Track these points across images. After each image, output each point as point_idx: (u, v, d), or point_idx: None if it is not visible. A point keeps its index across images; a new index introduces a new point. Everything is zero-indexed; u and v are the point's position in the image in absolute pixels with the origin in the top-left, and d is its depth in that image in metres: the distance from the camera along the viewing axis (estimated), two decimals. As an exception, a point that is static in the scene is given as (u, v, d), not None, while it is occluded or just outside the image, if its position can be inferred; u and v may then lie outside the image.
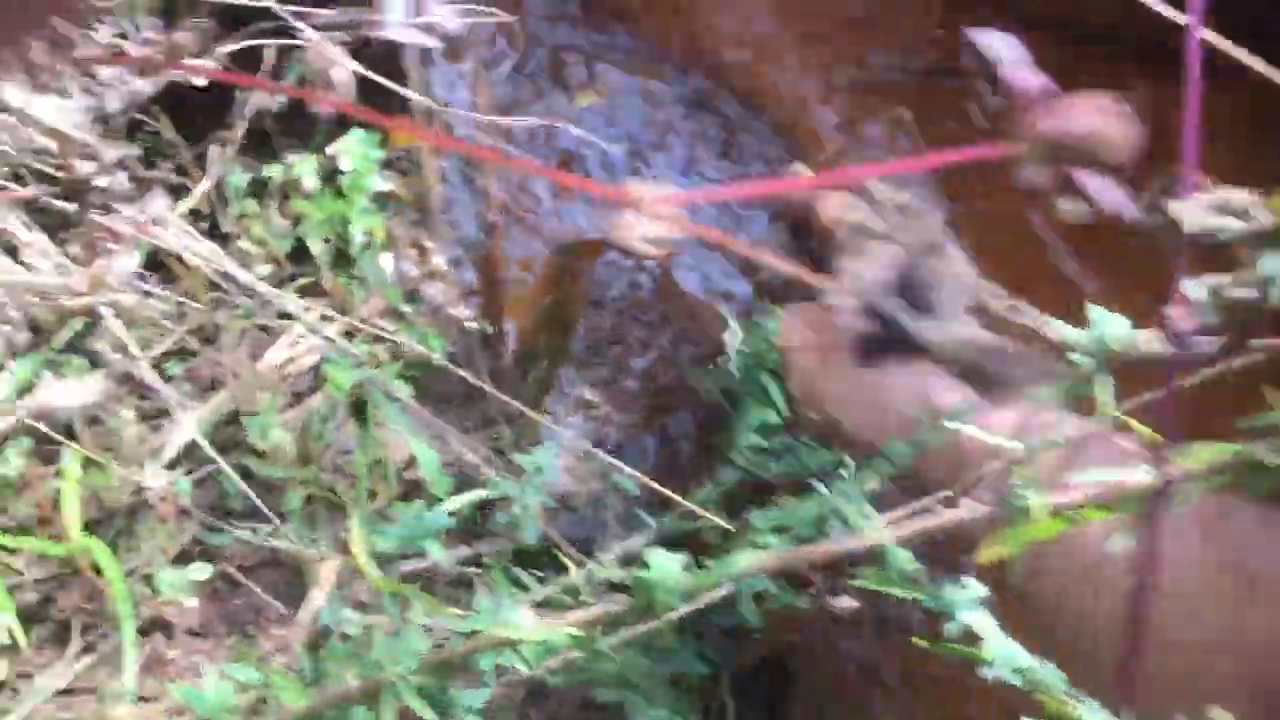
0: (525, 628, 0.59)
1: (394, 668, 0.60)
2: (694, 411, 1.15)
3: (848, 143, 1.25)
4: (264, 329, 1.03)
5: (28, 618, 0.85)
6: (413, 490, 1.08)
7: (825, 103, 1.26)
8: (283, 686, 0.65)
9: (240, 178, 1.06)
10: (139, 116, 0.87)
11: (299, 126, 1.09)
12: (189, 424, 0.92)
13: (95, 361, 0.85)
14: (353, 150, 1.10)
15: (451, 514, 1.06)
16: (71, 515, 0.81)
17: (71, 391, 0.79)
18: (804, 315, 0.84)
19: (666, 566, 0.58)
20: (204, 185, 0.89)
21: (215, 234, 1.01)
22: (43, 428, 0.80)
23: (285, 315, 1.05)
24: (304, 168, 1.10)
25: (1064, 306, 0.64)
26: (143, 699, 0.91)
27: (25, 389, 0.79)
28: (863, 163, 1.24)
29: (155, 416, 0.95)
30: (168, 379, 0.97)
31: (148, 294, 0.96)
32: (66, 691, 0.85)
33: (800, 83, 1.26)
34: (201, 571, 0.88)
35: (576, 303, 1.15)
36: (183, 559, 0.91)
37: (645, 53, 1.24)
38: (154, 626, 0.88)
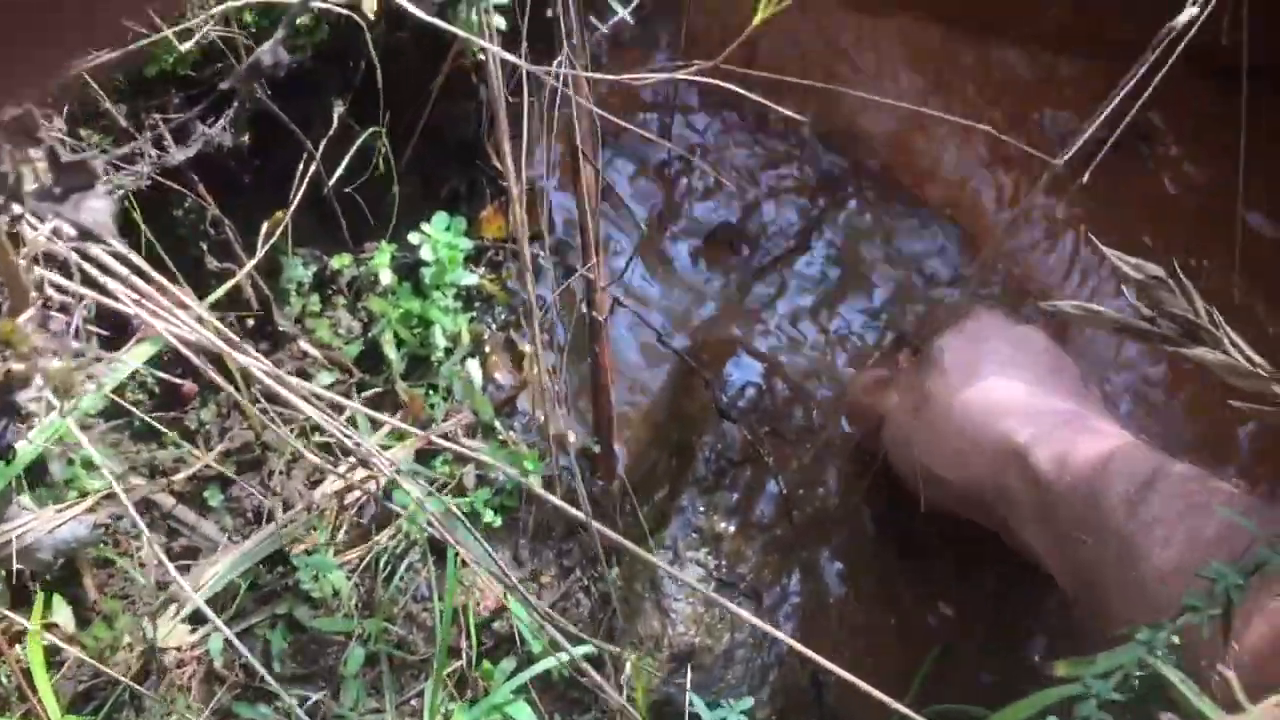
0: None
1: None
2: (846, 544, 0.92)
3: (1014, 221, 1.03)
4: (325, 449, 0.84)
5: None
6: (503, 645, 0.87)
7: (989, 177, 1.06)
8: None
9: (302, 270, 0.88)
10: (176, 186, 0.70)
11: (371, 208, 0.92)
12: (224, 565, 0.72)
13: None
14: (436, 239, 0.92)
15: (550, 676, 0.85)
16: (44, 689, 0.61)
17: (56, 524, 0.60)
18: (899, 383, 0.87)
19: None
20: (249, 266, 0.70)
21: (267, 334, 0.83)
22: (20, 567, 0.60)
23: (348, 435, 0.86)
24: (380, 259, 0.92)
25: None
26: None
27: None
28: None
29: (184, 556, 0.75)
30: (205, 510, 0.78)
31: (175, 408, 0.78)
32: None
33: (957, 154, 1.05)
34: (228, 760, 0.67)
35: (700, 415, 0.94)
36: (204, 742, 0.70)
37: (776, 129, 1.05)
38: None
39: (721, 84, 0.48)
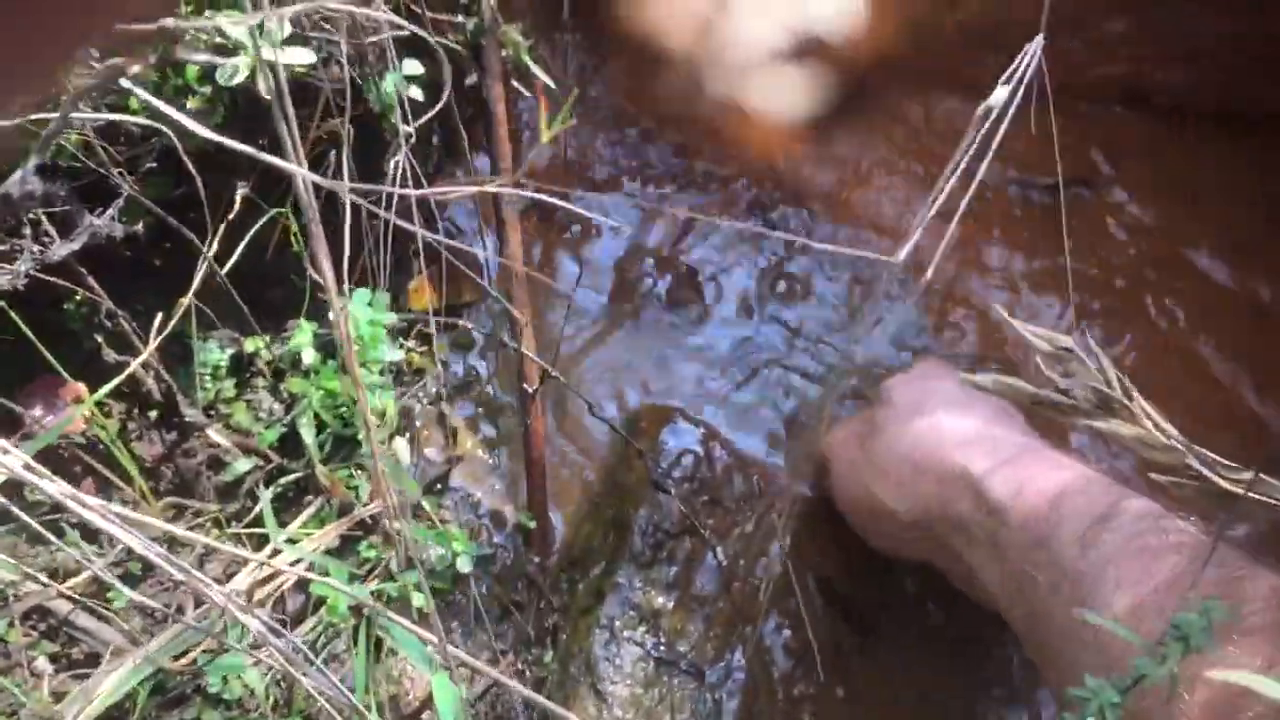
0: None
1: None
2: (792, 614, 0.88)
3: (959, 271, 1.00)
4: (238, 539, 0.80)
5: None
6: (434, 737, 0.83)
7: (935, 228, 1.03)
8: None
9: (218, 353, 0.85)
10: (56, 280, 0.67)
11: (293, 286, 0.89)
12: (124, 672, 0.69)
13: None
14: (355, 316, 0.89)
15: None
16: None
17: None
18: (847, 423, 0.86)
19: None
20: (144, 355, 0.67)
21: (173, 425, 0.80)
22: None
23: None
24: (300, 338, 0.89)
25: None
26: None
27: None
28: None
29: (86, 664, 0.72)
30: (106, 612, 0.75)
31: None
32: None
33: (902, 207, 1.03)
34: None
35: (636, 487, 0.91)
36: None
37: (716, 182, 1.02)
38: None
39: (531, 194, 0.45)
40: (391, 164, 0.51)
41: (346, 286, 0.58)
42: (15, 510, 0.42)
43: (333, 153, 0.62)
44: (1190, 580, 0.51)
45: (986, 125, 0.37)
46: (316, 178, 0.35)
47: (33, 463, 0.38)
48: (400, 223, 0.40)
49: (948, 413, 0.75)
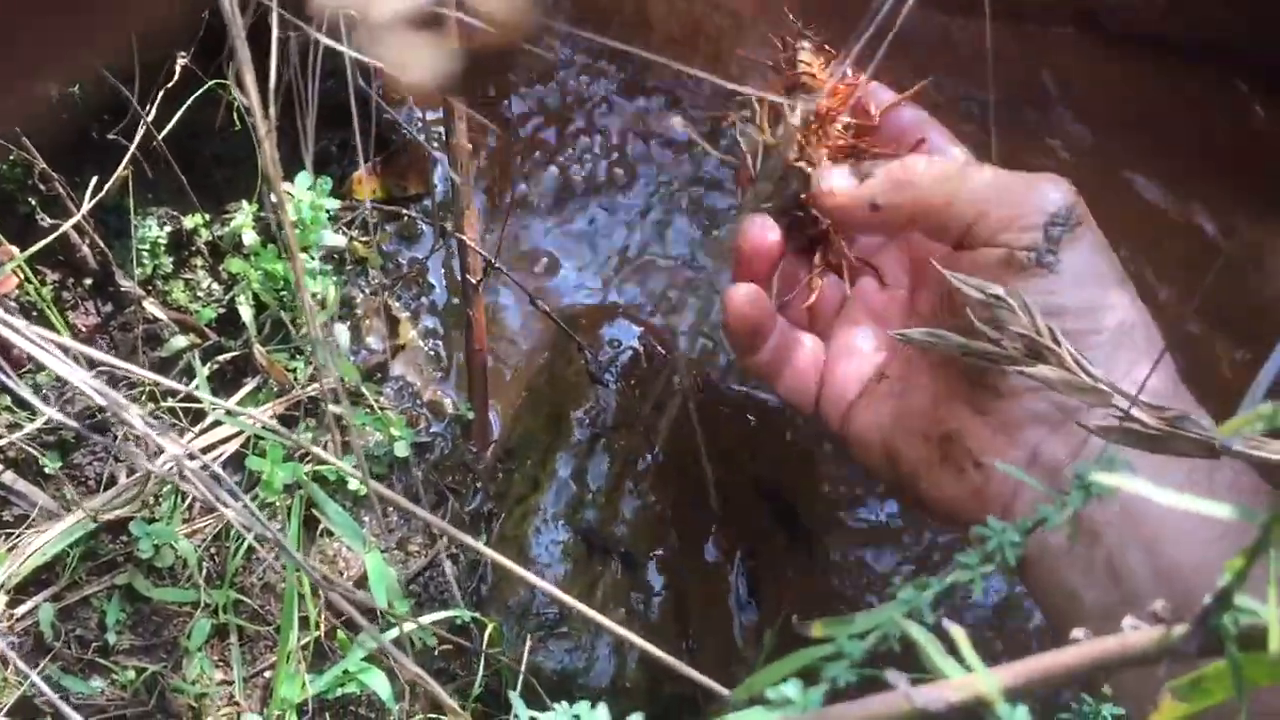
0: None
1: None
2: (728, 507, 0.90)
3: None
4: (173, 412, 0.80)
5: None
6: (366, 615, 0.84)
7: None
8: None
9: (156, 229, 0.84)
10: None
11: (237, 167, 0.88)
12: (54, 534, 0.69)
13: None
14: (298, 199, 0.88)
15: (409, 643, 0.82)
16: None
17: None
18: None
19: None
20: (75, 218, 0.66)
21: (109, 295, 0.79)
22: None
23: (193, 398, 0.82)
24: (241, 219, 0.88)
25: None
26: None
27: None
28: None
29: (15, 525, 0.72)
30: (40, 476, 0.74)
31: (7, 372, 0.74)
32: None
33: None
34: (43, 736, 0.63)
35: (576, 380, 0.91)
36: (24, 711, 0.67)
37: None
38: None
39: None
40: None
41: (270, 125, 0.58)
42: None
43: None
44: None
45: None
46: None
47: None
48: (329, 42, 0.40)
49: None
